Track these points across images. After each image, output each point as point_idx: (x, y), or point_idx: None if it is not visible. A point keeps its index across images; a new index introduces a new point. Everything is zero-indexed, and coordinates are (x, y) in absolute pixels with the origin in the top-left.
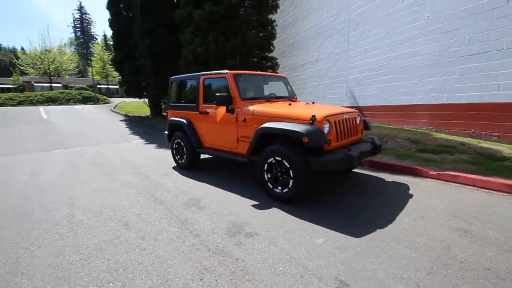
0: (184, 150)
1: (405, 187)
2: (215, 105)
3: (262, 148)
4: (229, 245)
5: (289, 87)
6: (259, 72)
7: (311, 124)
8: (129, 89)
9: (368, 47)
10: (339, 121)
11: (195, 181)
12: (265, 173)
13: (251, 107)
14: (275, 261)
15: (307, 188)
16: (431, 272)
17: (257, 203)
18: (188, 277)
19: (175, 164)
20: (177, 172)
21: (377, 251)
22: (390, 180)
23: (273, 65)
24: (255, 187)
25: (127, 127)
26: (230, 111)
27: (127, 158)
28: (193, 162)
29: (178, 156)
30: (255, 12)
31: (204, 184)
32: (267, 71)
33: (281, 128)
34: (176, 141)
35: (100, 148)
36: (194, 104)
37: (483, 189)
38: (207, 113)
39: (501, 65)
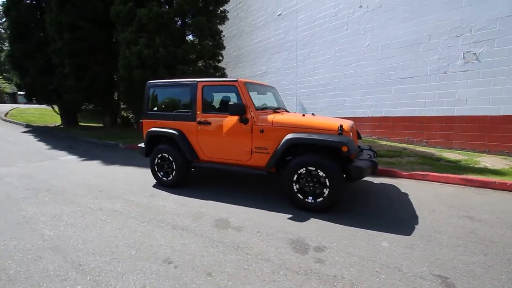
0: (173, 165)
1: (394, 187)
2: (219, 115)
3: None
4: (311, 263)
5: (279, 98)
6: (258, 82)
7: (340, 134)
8: (32, 93)
9: (316, 65)
10: (352, 131)
11: (198, 200)
12: (294, 184)
13: (268, 117)
14: (371, 270)
15: (341, 196)
16: (486, 253)
17: (290, 215)
18: None
19: (153, 183)
20: (165, 192)
21: (435, 244)
22: (378, 182)
23: (223, 75)
24: (270, 199)
25: (39, 141)
26: (243, 121)
27: (77, 180)
28: (184, 178)
29: (162, 173)
30: (206, 20)
31: (212, 202)
32: None
33: (320, 139)
34: (159, 156)
35: (19, 169)
36: (188, 113)
37: (446, 184)
38: (209, 123)
39: (426, 87)
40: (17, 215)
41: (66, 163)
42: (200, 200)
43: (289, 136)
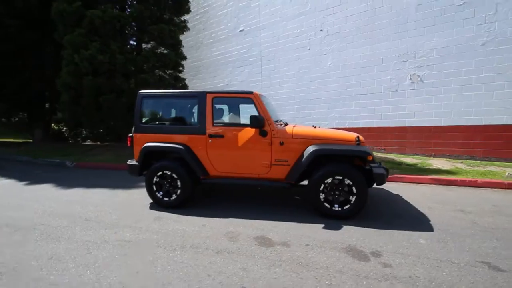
0: (178, 183)
1: (384, 190)
2: (234, 128)
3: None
4: (381, 268)
5: (274, 108)
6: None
7: (358, 144)
8: None
9: (281, 80)
10: None
11: (215, 218)
12: (320, 193)
13: (287, 129)
14: (432, 266)
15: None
16: (498, 239)
17: (322, 224)
18: None
19: (143, 205)
20: (171, 213)
21: (458, 236)
22: None
23: (184, 86)
24: (287, 210)
25: None
26: (262, 133)
27: (41, 208)
28: (190, 197)
29: (162, 193)
30: (168, 29)
31: (233, 219)
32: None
33: (349, 149)
34: (159, 174)
35: None
36: (196, 126)
37: (421, 184)
38: (222, 136)
39: (381, 102)
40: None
41: (6, 189)
42: (218, 219)
43: (314, 148)
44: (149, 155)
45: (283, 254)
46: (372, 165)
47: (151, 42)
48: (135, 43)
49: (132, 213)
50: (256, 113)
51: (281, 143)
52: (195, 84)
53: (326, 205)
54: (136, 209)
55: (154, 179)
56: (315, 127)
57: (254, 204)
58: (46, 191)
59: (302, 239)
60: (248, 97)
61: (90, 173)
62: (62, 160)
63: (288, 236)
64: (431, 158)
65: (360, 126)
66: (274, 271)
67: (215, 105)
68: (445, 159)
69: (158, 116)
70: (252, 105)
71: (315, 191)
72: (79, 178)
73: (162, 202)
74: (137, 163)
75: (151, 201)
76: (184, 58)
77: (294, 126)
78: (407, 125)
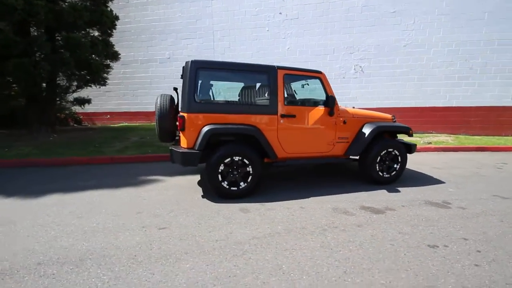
0: (249, 169)
1: None
2: (305, 107)
3: None
4: (460, 211)
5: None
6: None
7: (394, 121)
8: None
9: (237, 59)
10: None
11: (302, 200)
12: (377, 164)
13: (347, 109)
14: (493, 200)
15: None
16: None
17: (384, 190)
18: None
19: (200, 200)
20: (249, 203)
21: (464, 185)
22: None
23: (115, 54)
24: (340, 182)
25: None
26: (330, 113)
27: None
28: (258, 185)
29: (227, 182)
30: None
31: (318, 197)
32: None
33: (398, 125)
34: (227, 160)
35: None
36: (266, 105)
37: None
38: (294, 116)
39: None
40: None
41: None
42: (303, 200)
43: (374, 125)
44: (212, 139)
45: (402, 216)
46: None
47: None
48: None
49: (204, 211)
50: (323, 93)
51: (344, 122)
52: (123, 53)
53: (380, 173)
54: (200, 206)
55: (220, 167)
56: (354, 108)
57: (311, 183)
58: (48, 204)
59: (393, 203)
60: (317, 76)
61: (32, 175)
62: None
63: (380, 202)
64: None
65: None
66: (420, 229)
67: (286, 83)
68: None
69: (216, 93)
70: (320, 84)
71: (372, 162)
72: (42, 183)
73: (229, 192)
74: (194, 150)
75: (194, 195)
76: (116, 18)
77: (345, 107)
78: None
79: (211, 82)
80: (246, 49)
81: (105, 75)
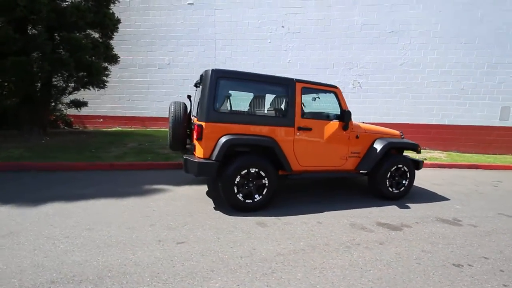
0: (264, 181)
1: None
2: (321, 120)
3: None
4: (470, 228)
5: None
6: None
7: (402, 138)
8: None
9: (239, 68)
10: None
11: (318, 214)
12: (387, 180)
13: (360, 125)
14: (493, 218)
15: None
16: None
17: (394, 206)
18: None
19: (212, 212)
20: (266, 217)
21: (469, 201)
22: None
23: (115, 58)
24: (356, 197)
25: None
26: (345, 127)
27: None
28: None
29: (242, 194)
30: None
31: (334, 212)
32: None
33: (408, 142)
34: (244, 172)
35: None
36: (283, 117)
37: None
38: (310, 129)
39: None
40: None
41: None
42: (319, 215)
43: (386, 141)
44: (230, 150)
45: (419, 233)
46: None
47: None
48: None
49: (219, 224)
50: (338, 107)
51: (357, 137)
52: (121, 56)
53: (390, 189)
54: (215, 219)
55: (236, 179)
56: (364, 123)
57: (322, 196)
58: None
59: (407, 219)
60: (333, 90)
61: (25, 180)
62: None
63: (393, 218)
64: None
65: None
66: (440, 247)
67: (303, 95)
68: None
69: (235, 102)
70: (335, 99)
71: (382, 177)
72: (41, 189)
73: (244, 205)
74: (211, 161)
75: (205, 206)
76: (118, 21)
77: (358, 122)
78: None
79: (230, 91)
80: (248, 59)
81: (105, 78)
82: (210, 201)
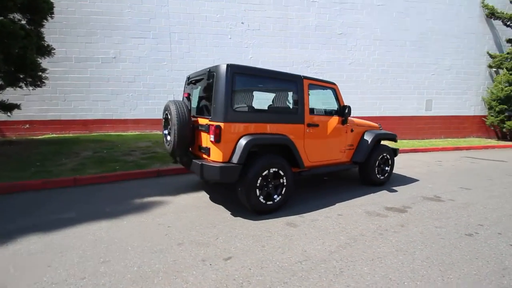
0: (283, 180)
1: None
2: (325, 116)
3: None
4: (457, 205)
5: None
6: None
7: (381, 129)
8: None
9: (198, 65)
10: None
11: (333, 206)
12: (376, 168)
13: (353, 119)
14: (485, 196)
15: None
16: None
17: (384, 191)
18: None
19: (229, 218)
20: (286, 217)
21: (468, 176)
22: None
23: (48, 49)
24: (351, 187)
25: None
26: (344, 122)
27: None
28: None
29: (262, 196)
30: None
31: (345, 202)
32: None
33: (390, 133)
34: (264, 173)
35: None
36: (294, 114)
37: None
38: (317, 125)
39: None
40: None
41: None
42: (335, 206)
43: (374, 133)
44: (251, 150)
45: (421, 212)
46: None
47: None
48: None
49: (252, 231)
50: (335, 103)
51: (352, 130)
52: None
53: (378, 176)
54: (243, 227)
55: (259, 181)
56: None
57: (320, 189)
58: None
59: (404, 202)
60: (332, 86)
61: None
62: None
63: (393, 202)
64: None
65: None
66: (445, 221)
67: (310, 92)
68: None
69: (247, 100)
70: (332, 95)
71: (372, 166)
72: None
73: (266, 207)
74: (233, 164)
75: (222, 214)
76: (52, 4)
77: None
78: None
79: (247, 88)
80: (208, 55)
81: (42, 74)
82: (221, 207)
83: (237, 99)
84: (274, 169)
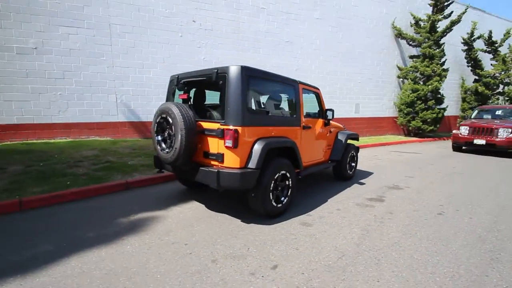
0: (289, 182)
1: None
2: (315, 119)
3: None
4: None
5: None
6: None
7: (345, 130)
8: None
9: (145, 62)
10: None
11: (328, 203)
12: (347, 165)
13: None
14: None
15: None
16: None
17: (357, 184)
18: None
19: (244, 226)
20: (296, 217)
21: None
22: None
23: None
24: (329, 183)
25: None
26: (327, 124)
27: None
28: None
29: (273, 199)
30: None
31: (340, 195)
32: None
33: (354, 133)
34: (276, 176)
35: None
36: (293, 117)
37: None
38: (310, 127)
39: None
40: None
41: None
42: (330, 202)
43: (346, 134)
44: (268, 154)
45: (394, 199)
46: None
47: None
48: None
49: (276, 237)
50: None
51: (330, 131)
52: None
53: (348, 172)
54: (265, 233)
55: (272, 184)
56: None
57: (305, 189)
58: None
59: (376, 192)
60: (316, 91)
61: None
62: None
63: (368, 193)
64: None
65: None
66: (417, 206)
67: (304, 96)
68: None
69: (261, 104)
70: (315, 98)
71: (345, 163)
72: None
73: (276, 210)
74: (251, 169)
75: (235, 222)
76: None
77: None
78: None
79: (258, 91)
80: (156, 52)
81: None
82: (226, 216)
83: (251, 102)
84: (283, 172)
